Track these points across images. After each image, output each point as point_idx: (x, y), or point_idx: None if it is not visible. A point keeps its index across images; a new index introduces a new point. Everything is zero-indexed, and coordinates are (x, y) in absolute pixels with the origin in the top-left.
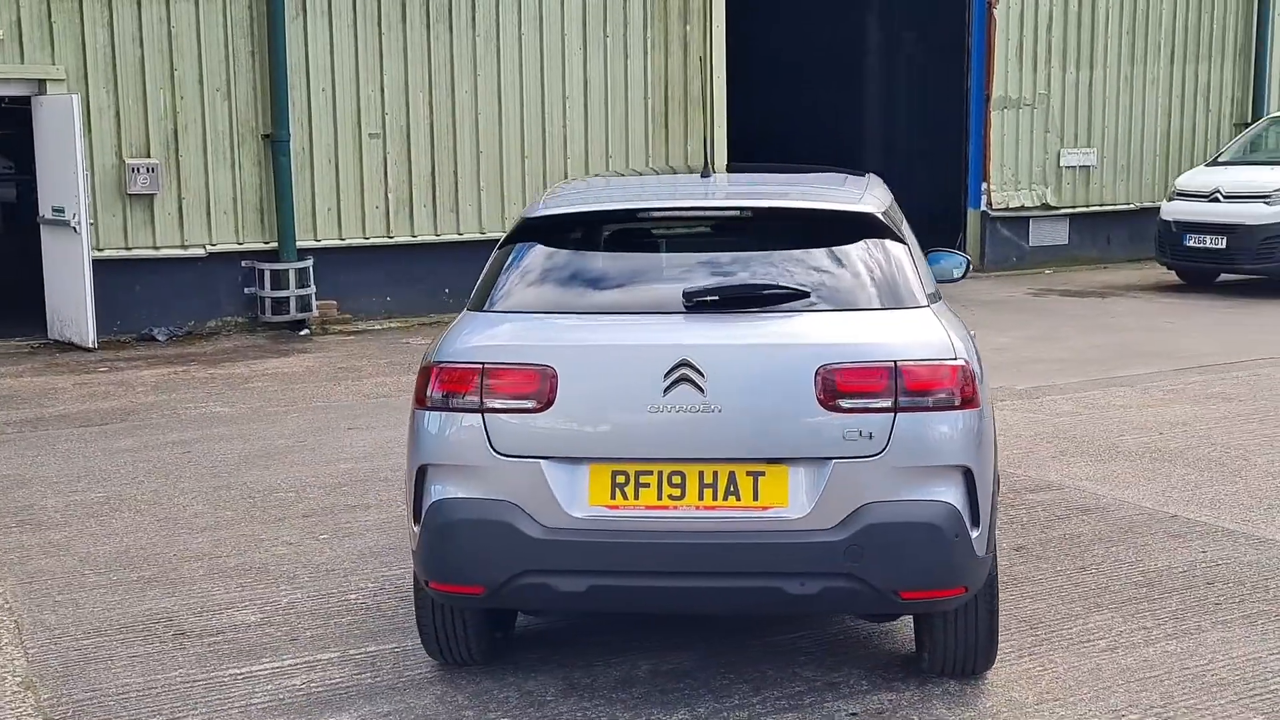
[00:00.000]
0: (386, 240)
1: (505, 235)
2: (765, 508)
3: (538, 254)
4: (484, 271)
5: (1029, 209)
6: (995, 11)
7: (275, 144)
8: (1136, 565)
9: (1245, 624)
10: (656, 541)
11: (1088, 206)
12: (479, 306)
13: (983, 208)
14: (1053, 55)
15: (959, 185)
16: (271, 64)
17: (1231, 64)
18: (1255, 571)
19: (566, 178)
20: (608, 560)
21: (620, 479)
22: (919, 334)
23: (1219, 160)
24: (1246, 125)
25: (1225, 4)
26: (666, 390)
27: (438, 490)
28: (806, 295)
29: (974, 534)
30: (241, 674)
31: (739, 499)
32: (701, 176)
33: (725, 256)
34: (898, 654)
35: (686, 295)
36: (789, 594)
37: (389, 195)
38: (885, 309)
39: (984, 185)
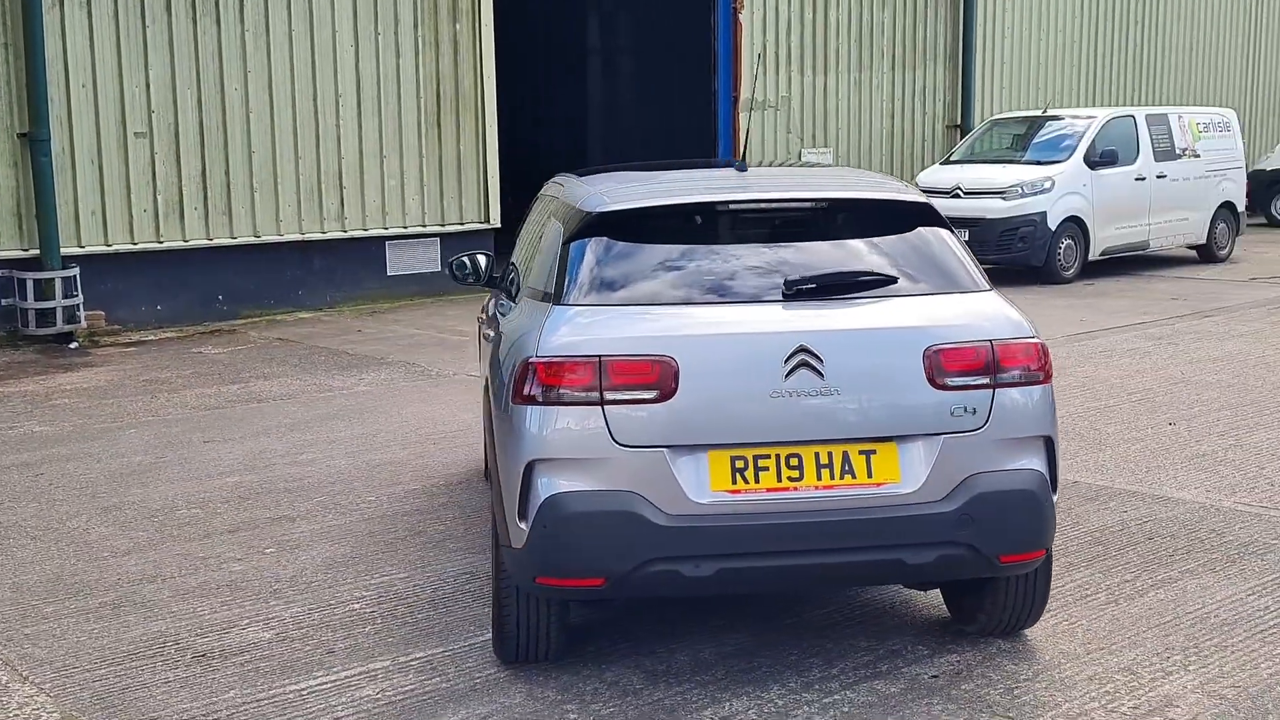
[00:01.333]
0: (156, 245)
1: (575, 228)
2: (880, 484)
3: (617, 247)
4: (554, 264)
5: None
6: (741, 17)
7: (34, 144)
8: (1078, 527)
9: (1208, 571)
10: (780, 522)
11: None
12: (560, 299)
13: None
14: (793, 59)
15: None
16: (28, 57)
17: (943, 69)
18: (1180, 526)
19: (342, 177)
20: (735, 543)
21: (739, 464)
22: (1002, 314)
23: (951, 159)
24: (958, 126)
25: (937, 14)
26: (787, 375)
27: (553, 485)
28: (894, 281)
29: (1054, 498)
30: (303, 689)
31: (854, 477)
32: (738, 170)
33: (804, 246)
34: (930, 619)
35: (788, 283)
36: (908, 564)
37: (158, 197)
38: (962, 292)
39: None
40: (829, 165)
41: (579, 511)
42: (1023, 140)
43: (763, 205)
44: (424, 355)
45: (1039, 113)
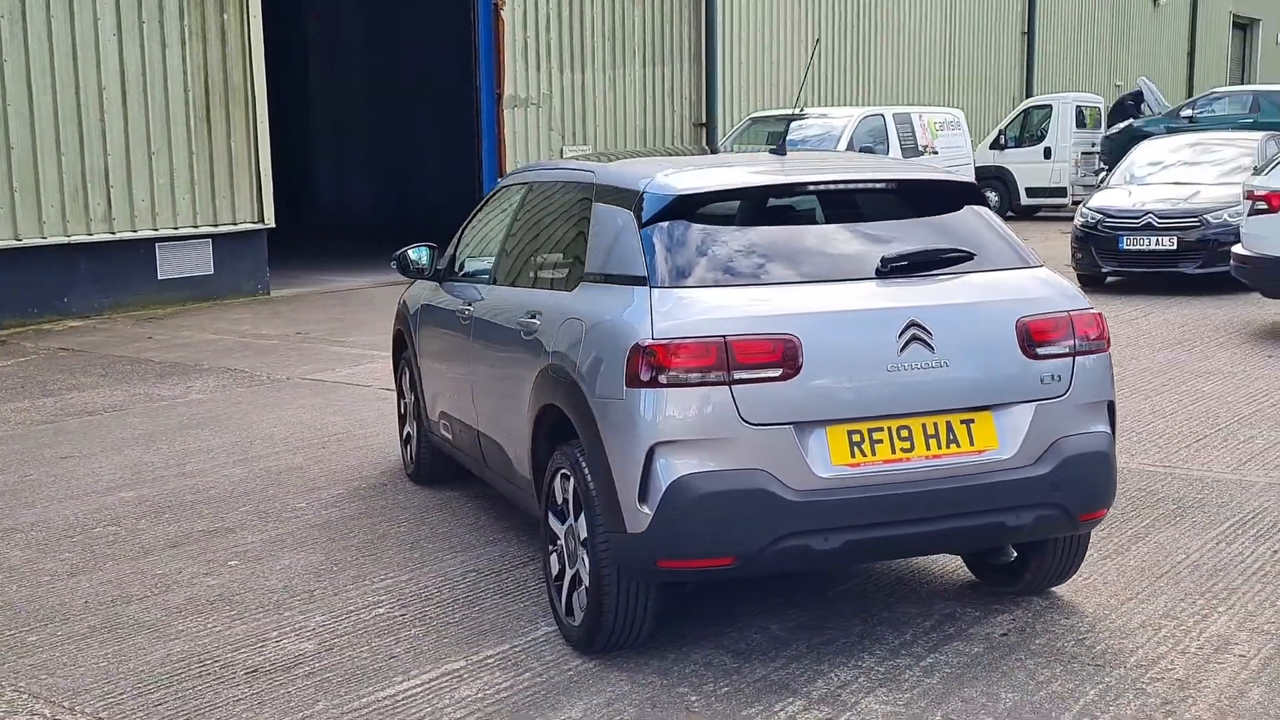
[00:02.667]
0: None
1: (652, 211)
2: (981, 451)
3: (702, 229)
4: (629, 247)
5: None
6: (503, 13)
7: None
8: None
9: (1167, 526)
10: (899, 492)
11: None
12: (655, 282)
13: None
14: (552, 56)
15: (474, 182)
16: None
17: (689, 68)
18: (1136, 489)
19: (109, 175)
20: (860, 515)
21: (855, 437)
22: (1067, 288)
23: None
24: (704, 124)
25: (682, 14)
26: (901, 350)
27: (678, 466)
28: (972, 257)
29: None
30: (394, 695)
31: (958, 445)
32: (776, 153)
33: (880, 225)
34: (953, 584)
35: (884, 261)
36: (1009, 526)
37: None
38: (1025, 267)
39: (499, 182)
40: (843, 151)
41: (711, 491)
42: (781, 138)
43: (839, 186)
44: (240, 361)
45: (795, 110)
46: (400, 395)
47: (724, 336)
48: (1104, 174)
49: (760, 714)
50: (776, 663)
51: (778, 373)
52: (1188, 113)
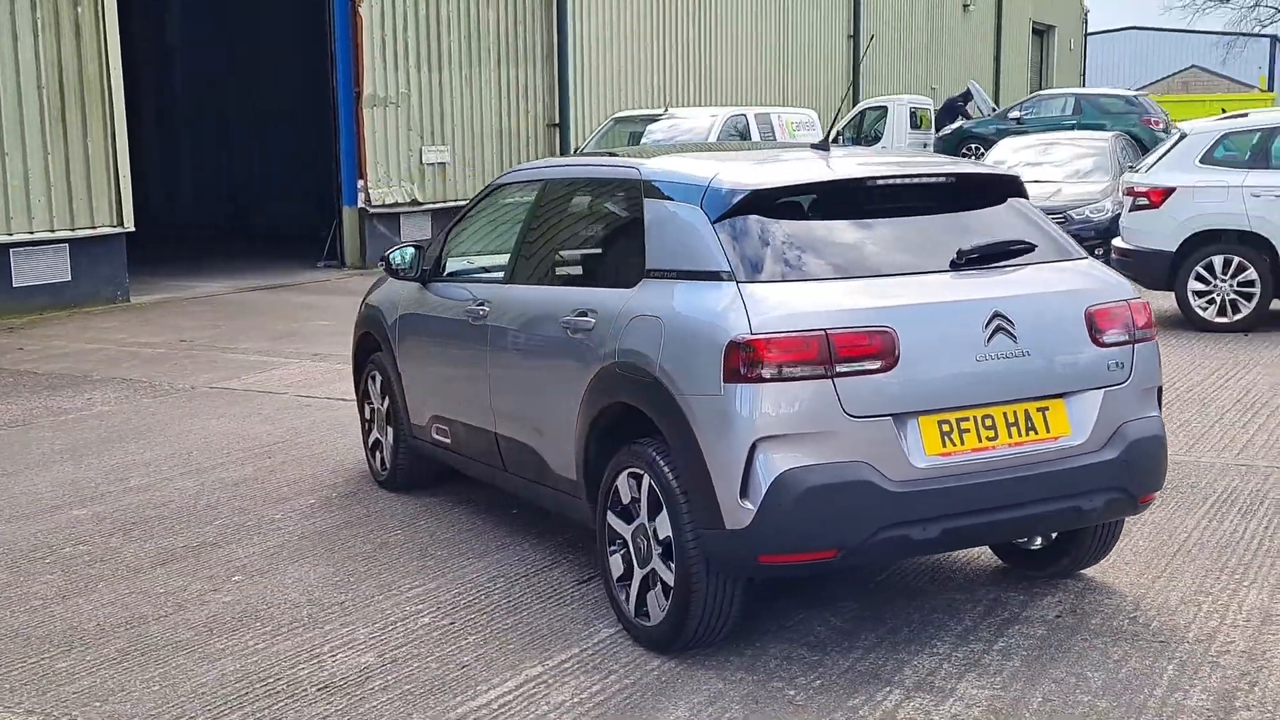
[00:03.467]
0: None
1: (725, 206)
2: (1056, 438)
3: (778, 223)
4: (701, 242)
5: (401, 205)
6: (361, 10)
7: None
8: None
9: (1157, 508)
10: (988, 480)
11: (445, 202)
12: (740, 277)
13: (360, 205)
14: (410, 55)
15: (333, 183)
16: None
17: (542, 69)
18: None
19: None
20: (954, 504)
21: (945, 427)
22: (1117, 278)
23: (585, 153)
24: (556, 125)
25: (533, 14)
26: (988, 340)
27: (782, 461)
28: (1034, 248)
29: None
30: (486, 704)
31: (1036, 433)
32: (818, 148)
33: (942, 218)
34: (979, 570)
35: (959, 253)
36: (1084, 510)
37: None
38: (1077, 258)
39: (360, 182)
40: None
41: (816, 485)
42: (652, 136)
43: (904, 180)
44: (132, 370)
45: (660, 111)
46: (365, 402)
47: (824, 330)
48: None
49: (863, 704)
50: (854, 654)
51: (877, 365)
52: (1016, 114)
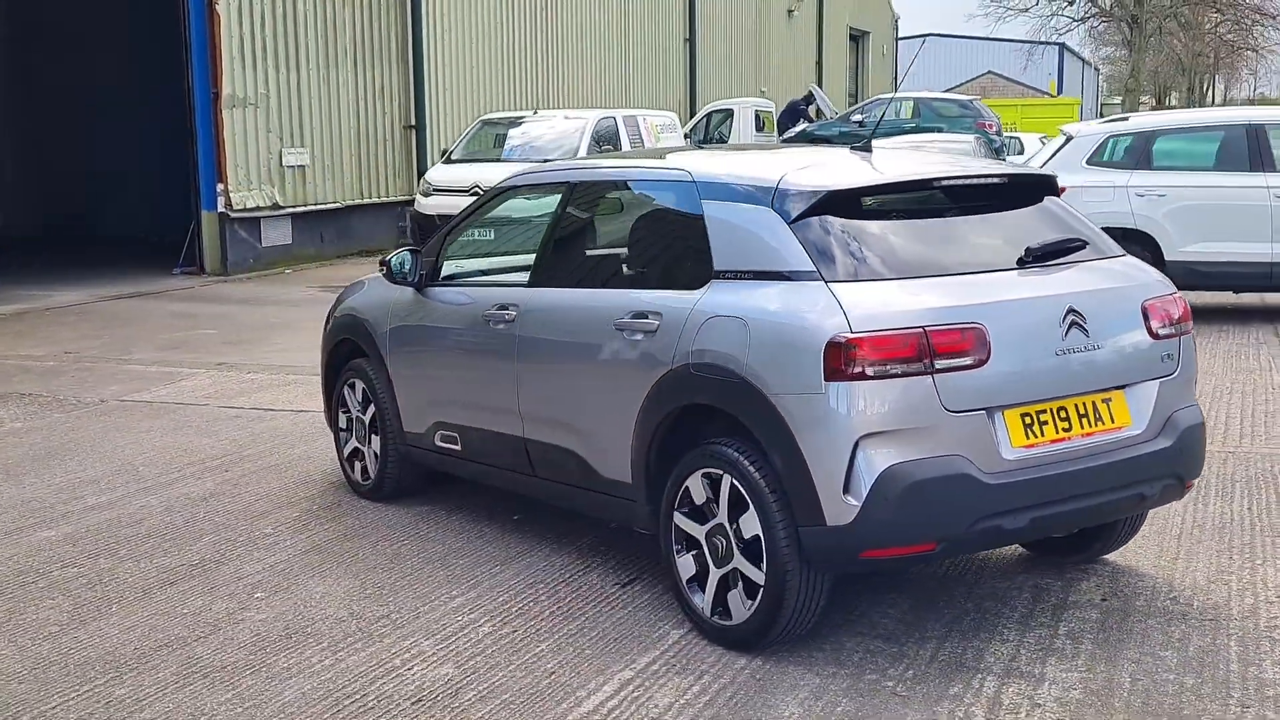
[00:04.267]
0: None
1: (801, 207)
2: (1120, 428)
3: (853, 224)
4: (779, 243)
5: (262, 209)
6: (219, 7)
7: None
8: None
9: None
10: (1067, 470)
11: (306, 205)
12: (829, 277)
13: (220, 209)
14: (268, 54)
15: (190, 186)
16: None
17: (398, 69)
18: None
19: None
20: (1040, 494)
21: (1027, 420)
22: (1157, 274)
23: (453, 158)
24: (413, 127)
25: (388, 14)
26: (1064, 335)
27: (886, 456)
28: (1086, 245)
29: None
30: (593, 709)
31: (1103, 423)
32: (860, 150)
33: (1001, 217)
34: (1011, 556)
35: (1027, 251)
36: (1146, 496)
37: None
38: (1117, 255)
39: (220, 186)
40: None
41: (920, 479)
42: (521, 138)
43: (963, 181)
44: (26, 384)
45: (530, 113)
46: (340, 410)
47: (923, 327)
48: None
49: (965, 692)
50: (930, 643)
51: (972, 360)
52: (858, 118)
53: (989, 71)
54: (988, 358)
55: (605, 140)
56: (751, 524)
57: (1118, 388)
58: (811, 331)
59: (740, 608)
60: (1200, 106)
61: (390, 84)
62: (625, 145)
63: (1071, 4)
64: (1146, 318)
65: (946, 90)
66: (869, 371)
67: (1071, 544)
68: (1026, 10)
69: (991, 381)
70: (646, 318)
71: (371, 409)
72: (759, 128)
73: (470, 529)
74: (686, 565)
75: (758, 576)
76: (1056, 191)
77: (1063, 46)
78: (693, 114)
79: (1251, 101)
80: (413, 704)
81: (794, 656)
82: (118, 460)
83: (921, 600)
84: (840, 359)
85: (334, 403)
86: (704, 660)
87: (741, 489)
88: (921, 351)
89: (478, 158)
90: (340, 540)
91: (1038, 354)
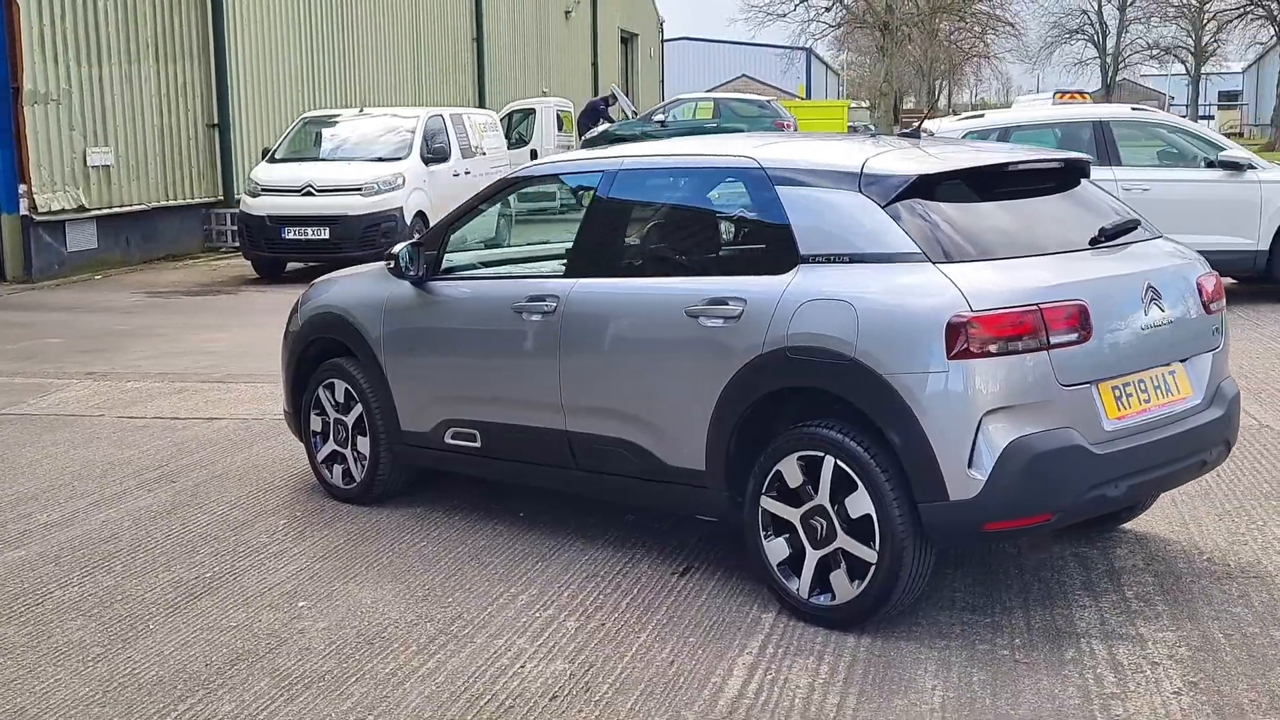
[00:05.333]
0: None
1: (893, 192)
2: (1184, 398)
3: (944, 207)
4: (874, 226)
5: (67, 212)
6: None
7: None
8: None
9: None
10: (1152, 439)
11: (112, 208)
12: (933, 258)
13: (24, 212)
14: (70, 48)
15: None
16: None
17: (199, 66)
18: None
19: None
20: (1135, 462)
21: (1116, 392)
22: (1194, 252)
23: (276, 157)
24: (216, 125)
25: (189, 8)
26: (1147, 311)
27: (1009, 431)
28: (1139, 225)
29: None
30: (738, 692)
31: (1172, 394)
32: (910, 136)
33: (1061, 199)
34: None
35: (1101, 231)
36: (1207, 463)
37: None
38: (1159, 235)
39: (22, 187)
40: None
41: (1042, 451)
42: (346, 137)
43: (1029, 166)
44: None
45: (355, 110)
46: (314, 414)
47: (1037, 305)
48: None
49: (1083, 656)
50: (1016, 613)
51: (1079, 336)
52: (660, 118)
53: (743, 75)
54: (1091, 333)
55: (432, 138)
56: (860, 504)
57: (1181, 360)
58: (931, 312)
59: (846, 587)
60: (934, 111)
61: (193, 80)
62: (452, 143)
63: (829, 10)
64: (1200, 293)
65: (711, 89)
66: (992, 349)
67: (1109, 515)
68: (784, 16)
69: (1094, 356)
70: (726, 303)
71: (357, 410)
72: (559, 127)
73: (483, 528)
74: (778, 549)
75: (868, 555)
76: (1089, 175)
77: (809, 52)
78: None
79: (973, 107)
80: (550, 699)
81: (898, 633)
82: (43, 476)
83: (979, 575)
84: (963, 338)
85: (304, 407)
86: (813, 641)
87: (848, 469)
88: (1038, 328)
89: (304, 156)
90: (351, 545)
91: (1126, 329)
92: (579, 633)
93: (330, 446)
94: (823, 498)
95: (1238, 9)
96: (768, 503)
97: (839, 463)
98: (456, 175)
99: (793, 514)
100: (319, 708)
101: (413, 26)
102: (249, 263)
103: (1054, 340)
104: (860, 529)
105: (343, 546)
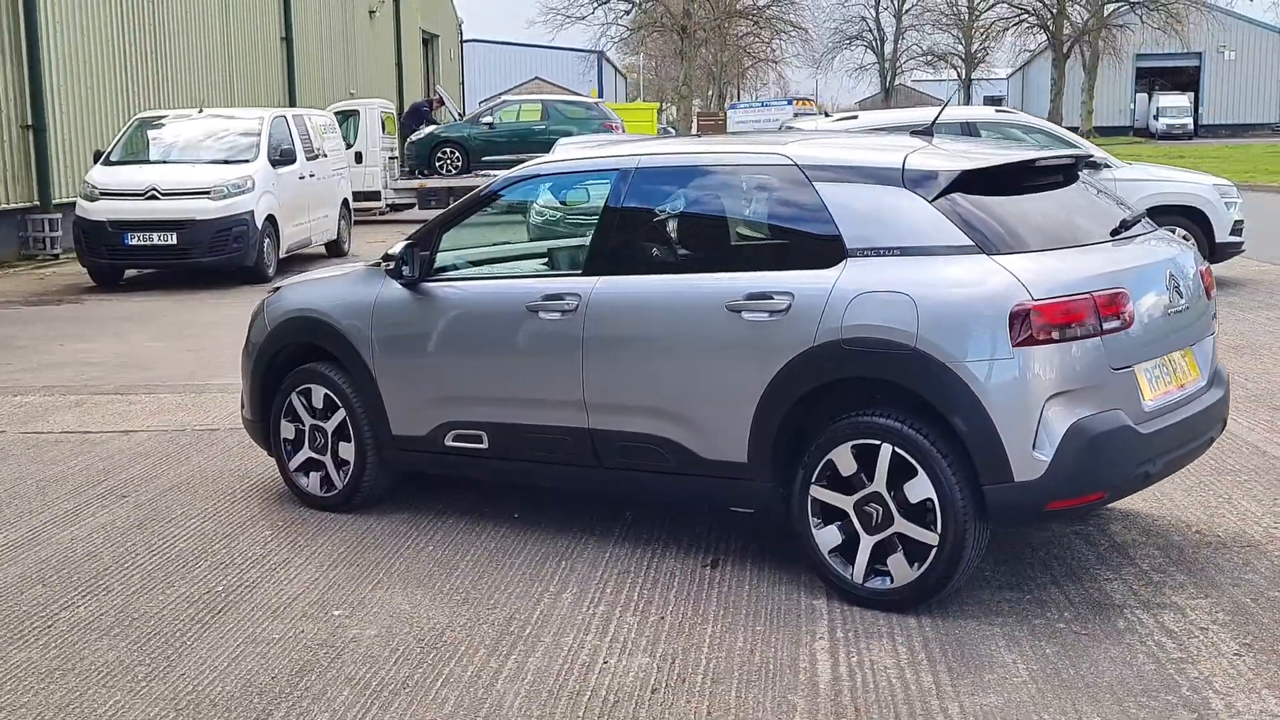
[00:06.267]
0: None
1: (940, 186)
2: (1194, 380)
3: (989, 200)
4: (923, 220)
5: None
6: None
7: None
8: None
9: None
10: (1179, 419)
11: None
12: (988, 249)
13: None
14: None
15: None
16: None
17: (12, 67)
18: None
19: None
20: (1169, 441)
21: (1148, 375)
22: (1183, 241)
23: (112, 160)
24: (30, 127)
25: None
26: (1171, 298)
27: (1070, 413)
28: (1143, 218)
29: None
30: (838, 675)
31: (1185, 377)
32: (922, 134)
33: (1068, 193)
34: None
35: (1122, 223)
36: (1213, 439)
37: None
38: (1157, 228)
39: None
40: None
41: (1100, 432)
42: (188, 138)
43: (1052, 161)
44: None
45: (196, 111)
46: (285, 421)
47: (1090, 293)
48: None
49: (1135, 625)
50: (1053, 588)
51: (1124, 322)
52: (488, 120)
53: (536, 78)
54: (1133, 319)
55: (278, 140)
56: (920, 489)
57: (1191, 344)
58: (994, 301)
59: (905, 570)
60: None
61: (6, 82)
62: (297, 145)
63: (628, 13)
64: (1201, 281)
65: (503, 92)
66: (1055, 335)
67: None
68: (583, 19)
69: (1135, 341)
70: (771, 298)
71: (339, 415)
72: (382, 129)
73: (485, 531)
74: (828, 537)
75: (928, 538)
76: (1081, 169)
77: (601, 55)
78: None
79: None
80: (650, 693)
81: (953, 613)
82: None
83: (999, 556)
84: (1026, 326)
85: (274, 414)
86: (876, 624)
87: (907, 456)
88: (1091, 315)
89: (142, 159)
90: (356, 553)
91: (1158, 314)
92: (644, 627)
93: (305, 454)
94: (878, 484)
95: (1014, 18)
96: (818, 491)
97: (896, 449)
98: (303, 178)
99: (845, 501)
100: (418, 712)
101: (223, 25)
102: (84, 270)
103: (1105, 326)
104: (919, 513)
105: (347, 554)
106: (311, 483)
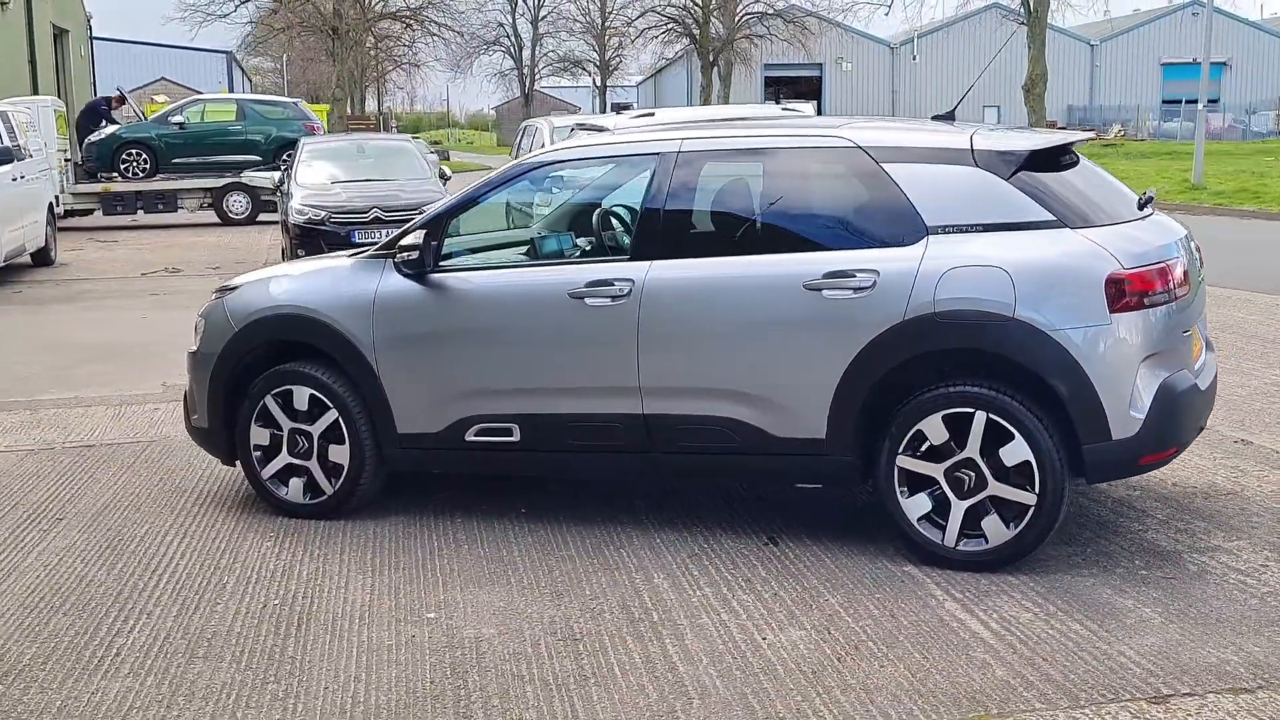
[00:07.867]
0: None
1: (1011, 166)
2: (1202, 345)
3: (1052, 178)
4: (1002, 197)
5: None
6: None
7: None
8: None
9: None
10: (1210, 380)
11: None
12: (1067, 224)
13: None
14: None
15: None
16: None
17: None
18: None
19: None
20: (1209, 401)
21: (1189, 341)
22: None
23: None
24: None
25: None
26: (1197, 272)
27: (1159, 374)
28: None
29: None
30: (979, 634)
31: (1199, 341)
32: (944, 119)
33: (1086, 168)
34: None
35: (1141, 200)
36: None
37: None
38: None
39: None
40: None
41: (1184, 390)
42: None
43: (1083, 141)
44: None
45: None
46: (257, 426)
47: (1164, 262)
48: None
49: (1202, 569)
50: (1101, 541)
51: (1185, 290)
52: (178, 119)
53: (162, 78)
54: (1190, 287)
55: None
56: (1017, 452)
57: (1200, 312)
58: (1090, 271)
59: (1000, 531)
60: (363, 115)
61: None
62: (6, 141)
63: (275, 12)
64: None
65: (131, 90)
66: (1146, 301)
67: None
68: (225, 17)
69: (1189, 307)
70: (853, 276)
71: (329, 417)
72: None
73: (505, 527)
74: (919, 504)
75: (1025, 499)
76: None
77: (230, 55)
78: None
79: (395, 115)
80: (837, 659)
81: (1039, 569)
82: None
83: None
84: (1122, 292)
85: (241, 421)
86: (979, 584)
87: (1003, 422)
88: (1168, 283)
89: None
90: (386, 557)
91: (1196, 285)
92: (767, 602)
93: (283, 460)
94: (972, 450)
95: (661, 25)
96: (905, 461)
97: (991, 416)
98: (15, 180)
99: (935, 469)
100: (625, 698)
101: None
102: None
103: (1176, 293)
104: (1014, 475)
105: (379, 560)
106: (292, 490)
